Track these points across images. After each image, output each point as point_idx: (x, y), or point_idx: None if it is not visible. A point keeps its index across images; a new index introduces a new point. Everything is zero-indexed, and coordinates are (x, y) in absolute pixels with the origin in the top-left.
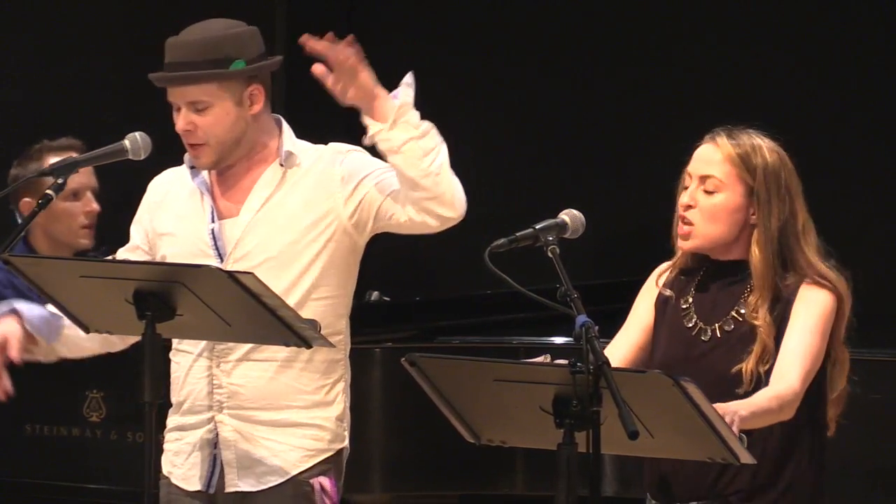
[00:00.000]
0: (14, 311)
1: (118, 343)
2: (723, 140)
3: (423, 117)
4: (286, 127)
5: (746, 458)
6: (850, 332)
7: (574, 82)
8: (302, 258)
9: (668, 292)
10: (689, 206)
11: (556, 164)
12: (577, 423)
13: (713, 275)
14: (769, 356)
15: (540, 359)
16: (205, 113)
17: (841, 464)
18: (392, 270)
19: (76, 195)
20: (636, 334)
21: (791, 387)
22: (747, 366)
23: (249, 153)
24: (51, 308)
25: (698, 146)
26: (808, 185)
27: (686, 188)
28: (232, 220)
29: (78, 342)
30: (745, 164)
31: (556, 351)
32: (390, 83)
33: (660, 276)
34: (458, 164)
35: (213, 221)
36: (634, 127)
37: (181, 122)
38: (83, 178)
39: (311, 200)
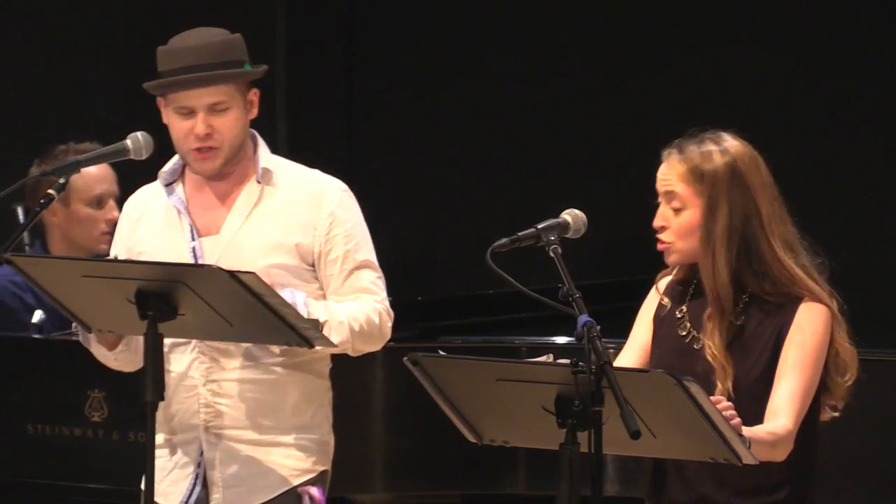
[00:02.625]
0: None
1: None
2: (672, 158)
3: (424, 118)
4: (261, 141)
5: (749, 458)
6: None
7: (576, 81)
8: (281, 280)
9: (665, 301)
10: (662, 227)
11: (558, 163)
12: (579, 422)
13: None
14: (726, 375)
15: (542, 358)
16: (225, 114)
17: (841, 464)
18: (394, 270)
19: (100, 203)
20: (636, 354)
21: (785, 427)
22: (719, 388)
23: (235, 163)
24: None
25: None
26: (806, 185)
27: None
28: (212, 238)
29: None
30: (695, 177)
31: (559, 350)
32: (390, 86)
33: (659, 281)
34: (460, 164)
35: (193, 239)
36: (636, 127)
37: (201, 125)
38: (107, 185)
39: (290, 227)
